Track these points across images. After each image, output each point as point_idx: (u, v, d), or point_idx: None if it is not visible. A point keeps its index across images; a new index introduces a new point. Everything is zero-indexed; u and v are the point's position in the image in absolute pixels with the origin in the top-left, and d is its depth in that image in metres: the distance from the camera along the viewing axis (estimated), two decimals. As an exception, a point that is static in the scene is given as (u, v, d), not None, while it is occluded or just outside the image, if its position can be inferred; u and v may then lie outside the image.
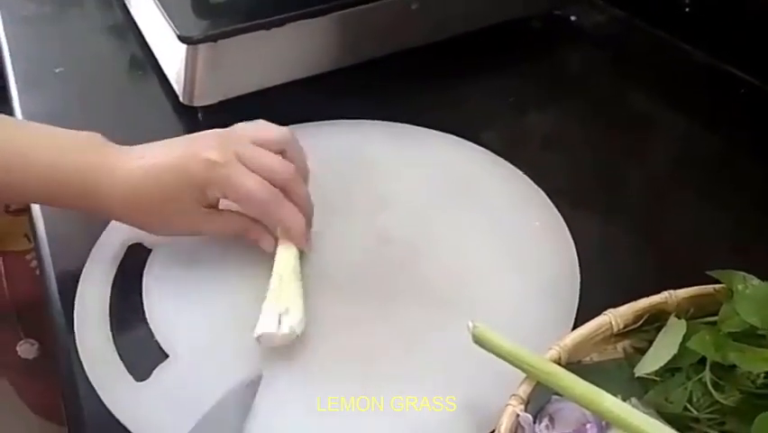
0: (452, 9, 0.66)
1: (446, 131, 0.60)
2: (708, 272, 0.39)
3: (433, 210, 0.53)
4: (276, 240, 0.48)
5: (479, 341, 0.38)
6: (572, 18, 0.76)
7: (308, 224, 0.48)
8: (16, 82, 0.71)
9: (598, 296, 0.45)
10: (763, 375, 0.35)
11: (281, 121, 0.62)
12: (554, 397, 0.37)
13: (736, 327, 0.36)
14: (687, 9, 0.70)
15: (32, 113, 0.66)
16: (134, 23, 0.74)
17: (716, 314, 0.38)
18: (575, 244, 0.49)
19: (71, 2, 0.88)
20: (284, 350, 0.43)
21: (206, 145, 0.45)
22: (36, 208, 0.54)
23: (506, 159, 0.57)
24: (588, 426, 0.35)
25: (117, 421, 0.40)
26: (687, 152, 0.61)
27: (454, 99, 0.66)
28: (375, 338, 0.44)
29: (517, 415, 0.35)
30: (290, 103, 0.62)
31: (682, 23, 0.70)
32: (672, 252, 0.51)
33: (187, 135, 0.49)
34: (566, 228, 0.50)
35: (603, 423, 0.36)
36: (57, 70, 0.72)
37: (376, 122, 0.61)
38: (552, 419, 0.36)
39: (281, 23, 0.59)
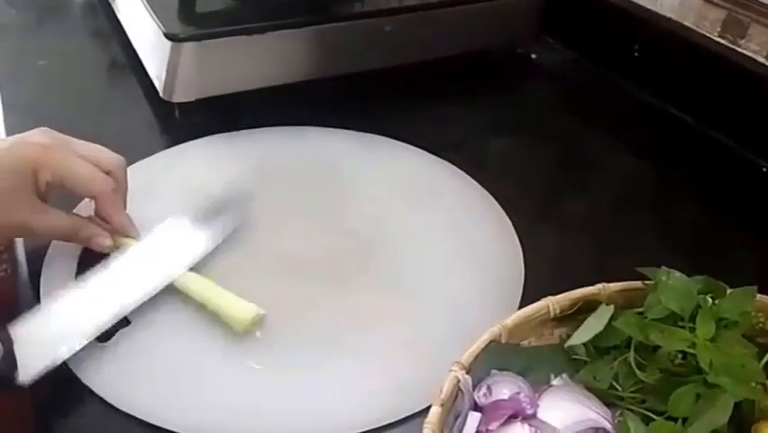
0: (423, 35, 0.71)
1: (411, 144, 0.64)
2: (637, 268, 0.43)
3: (393, 211, 0.56)
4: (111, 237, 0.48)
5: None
6: (533, 56, 0.82)
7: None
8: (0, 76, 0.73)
9: (539, 293, 0.48)
10: (680, 355, 0.38)
11: (253, 123, 0.66)
12: (494, 371, 0.40)
13: (659, 314, 0.40)
14: (636, 54, 0.76)
15: (13, 104, 0.68)
16: (118, 27, 0.77)
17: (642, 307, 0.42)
18: (522, 248, 0.53)
19: (55, 9, 0.91)
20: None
21: (37, 134, 0.47)
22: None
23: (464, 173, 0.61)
24: (521, 394, 0.38)
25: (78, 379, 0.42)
26: (628, 181, 0.66)
27: (420, 119, 0.70)
28: (331, 319, 0.47)
29: (458, 380, 0.38)
30: (264, 107, 0.66)
31: (632, 66, 0.76)
32: (609, 258, 0.55)
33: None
34: (515, 234, 0.54)
35: (536, 394, 0.39)
36: (40, 63, 0.75)
37: (346, 130, 0.65)
38: (489, 389, 0.39)
39: (261, 31, 0.63)
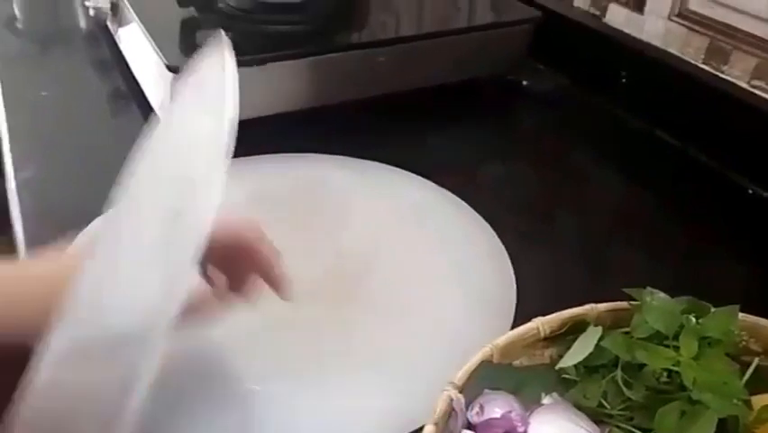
0: (416, 64, 0.73)
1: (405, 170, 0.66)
2: (623, 289, 0.45)
3: (388, 234, 0.58)
4: None
5: None
6: (524, 83, 0.84)
7: None
8: (5, 106, 0.75)
9: (531, 313, 0.50)
10: (665, 373, 0.40)
11: (254, 150, 0.67)
12: (486, 390, 0.42)
13: (645, 333, 0.41)
14: (624, 80, 0.78)
15: (17, 134, 0.70)
16: (120, 58, 0.79)
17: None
18: (514, 268, 0.55)
19: (59, 39, 0.93)
20: (242, 348, 0.47)
21: None
22: (15, 211, 0.58)
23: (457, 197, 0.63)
24: (512, 413, 0.40)
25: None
26: (616, 203, 0.68)
27: (415, 144, 0.72)
28: (326, 339, 0.49)
29: (452, 399, 0.39)
30: (262, 135, 0.67)
31: (620, 92, 0.79)
32: (599, 278, 0.56)
33: None
34: (507, 255, 0.56)
35: (527, 413, 0.40)
36: (43, 93, 0.77)
37: (342, 156, 0.67)
38: (482, 407, 0.40)
39: (260, 63, 0.65)
